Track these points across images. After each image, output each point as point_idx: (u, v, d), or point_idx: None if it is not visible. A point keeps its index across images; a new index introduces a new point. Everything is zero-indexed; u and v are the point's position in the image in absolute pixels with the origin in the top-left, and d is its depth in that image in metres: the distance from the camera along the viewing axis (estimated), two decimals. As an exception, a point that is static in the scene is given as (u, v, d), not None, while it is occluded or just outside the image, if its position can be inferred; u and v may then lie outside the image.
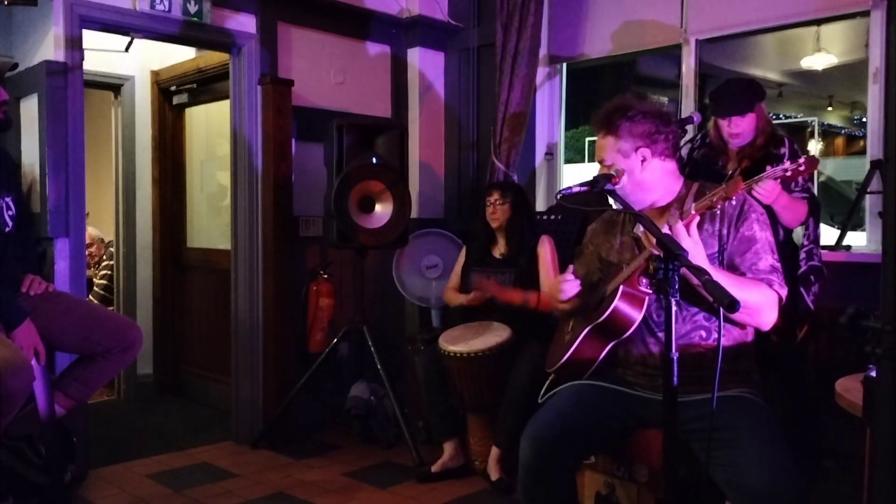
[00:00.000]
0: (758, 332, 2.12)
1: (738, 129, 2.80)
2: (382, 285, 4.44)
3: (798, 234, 2.92)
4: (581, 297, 2.24)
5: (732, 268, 2.02)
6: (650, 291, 1.99)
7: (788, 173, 1.96)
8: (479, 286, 3.50)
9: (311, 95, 4.20)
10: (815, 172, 3.62)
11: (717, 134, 2.92)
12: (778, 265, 2.02)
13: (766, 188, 2.43)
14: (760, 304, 1.94)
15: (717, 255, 2.05)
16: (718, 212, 2.04)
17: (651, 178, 2.11)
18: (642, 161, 2.09)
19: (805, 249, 2.83)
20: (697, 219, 1.92)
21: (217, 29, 3.84)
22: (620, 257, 2.20)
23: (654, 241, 1.82)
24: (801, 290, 2.79)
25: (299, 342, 4.14)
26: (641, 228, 1.97)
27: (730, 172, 2.82)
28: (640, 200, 2.12)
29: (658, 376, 2.03)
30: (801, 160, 1.95)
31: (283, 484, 3.42)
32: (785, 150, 2.78)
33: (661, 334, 2.06)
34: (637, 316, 2.02)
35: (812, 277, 2.81)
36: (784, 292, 2.00)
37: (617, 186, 2.07)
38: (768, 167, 2.01)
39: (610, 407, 2.11)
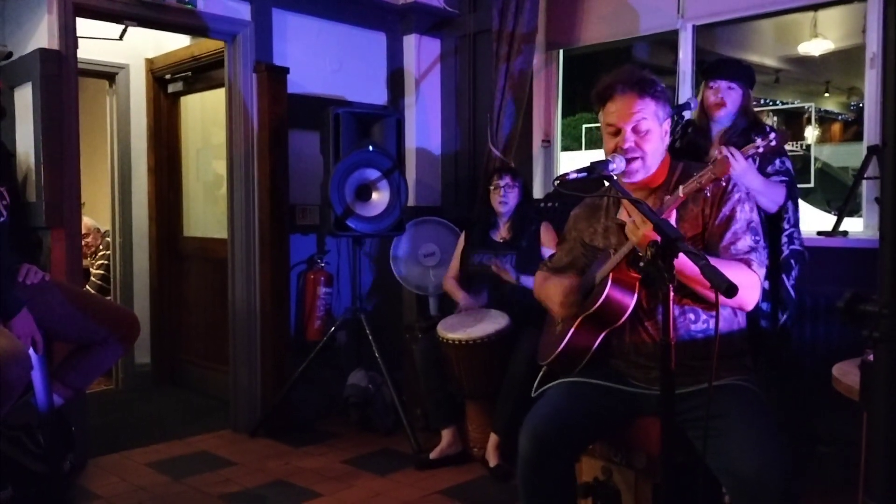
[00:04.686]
0: (747, 317, 2.12)
1: (727, 97, 2.78)
2: (379, 273, 4.44)
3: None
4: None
5: (712, 246, 2.00)
6: (640, 275, 1.98)
7: (761, 150, 2.01)
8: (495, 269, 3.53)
9: (306, 83, 4.18)
10: (812, 158, 3.62)
11: (703, 114, 2.89)
12: (757, 245, 2.00)
13: (739, 164, 2.36)
14: (741, 284, 1.92)
15: (700, 235, 2.03)
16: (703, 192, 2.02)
17: (664, 150, 2.10)
18: (665, 133, 2.08)
19: (786, 234, 2.82)
20: (681, 201, 1.91)
21: (211, 16, 3.81)
22: (606, 242, 2.17)
23: (641, 228, 1.81)
24: (783, 275, 2.78)
25: (297, 331, 4.15)
26: (626, 216, 1.95)
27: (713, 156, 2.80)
28: (650, 169, 2.06)
29: (652, 368, 2.03)
30: (772, 135, 2.00)
31: (283, 472, 3.43)
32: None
33: (647, 324, 2.05)
34: (630, 301, 2.00)
35: (792, 261, 2.81)
36: (762, 272, 1.99)
37: (644, 156, 2.00)
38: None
39: (605, 400, 2.10)
